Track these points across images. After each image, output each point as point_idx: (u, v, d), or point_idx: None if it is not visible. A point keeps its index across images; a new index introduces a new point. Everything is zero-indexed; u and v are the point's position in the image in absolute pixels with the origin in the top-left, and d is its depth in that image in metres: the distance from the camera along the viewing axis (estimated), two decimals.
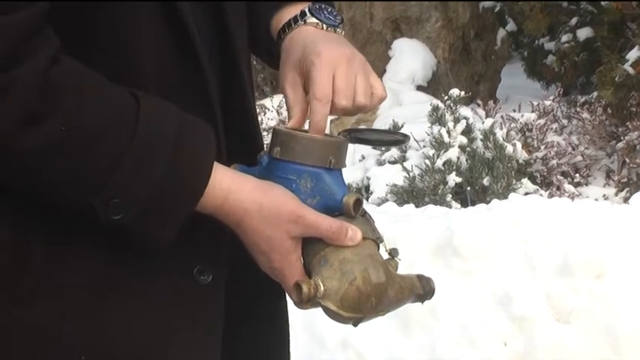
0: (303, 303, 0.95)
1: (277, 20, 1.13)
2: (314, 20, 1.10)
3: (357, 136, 1.08)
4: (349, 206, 0.99)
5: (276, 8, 1.14)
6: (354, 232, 0.98)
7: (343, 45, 1.09)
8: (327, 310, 0.96)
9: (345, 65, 1.06)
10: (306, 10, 1.10)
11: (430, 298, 1.00)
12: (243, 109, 1.10)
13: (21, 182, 0.93)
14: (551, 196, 4.67)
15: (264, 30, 1.15)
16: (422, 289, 0.98)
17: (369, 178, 5.00)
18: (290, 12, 1.13)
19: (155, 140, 0.93)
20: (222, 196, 0.97)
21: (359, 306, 0.95)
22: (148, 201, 0.93)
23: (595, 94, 5.94)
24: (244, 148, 1.08)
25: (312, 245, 0.98)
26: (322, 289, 0.95)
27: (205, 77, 1.00)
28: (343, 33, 1.13)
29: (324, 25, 1.10)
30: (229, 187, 0.98)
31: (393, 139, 1.18)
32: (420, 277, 0.98)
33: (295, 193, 0.99)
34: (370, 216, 1.02)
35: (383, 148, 5.05)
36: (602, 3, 5.97)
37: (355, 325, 0.97)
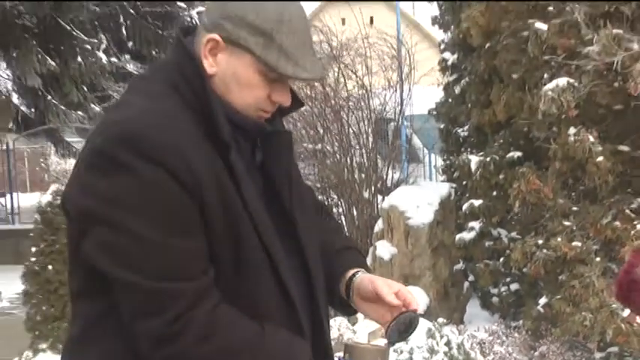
0: None
1: (344, 277, 1.47)
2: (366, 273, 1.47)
3: (392, 340, 1.34)
4: None
5: (343, 272, 1.50)
6: None
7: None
8: None
9: (397, 283, 1.37)
10: (361, 271, 1.48)
11: None
12: (322, 330, 1.39)
13: None
14: None
15: (335, 285, 1.46)
16: None
17: None
18: (350, 271, 1.50)
19: (275, 355, 1.20)
20: None
21: None
22: None
23: (521, 321, 6.68)
24: (321, 353, 1.37)
25: None
26: None
27: (299, 318, 1.29)
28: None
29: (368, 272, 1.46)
30: None
31: (409, 324, 1.36)
32: None
33: None
34: None
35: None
36: (524, 270, 6.48)
37: None
